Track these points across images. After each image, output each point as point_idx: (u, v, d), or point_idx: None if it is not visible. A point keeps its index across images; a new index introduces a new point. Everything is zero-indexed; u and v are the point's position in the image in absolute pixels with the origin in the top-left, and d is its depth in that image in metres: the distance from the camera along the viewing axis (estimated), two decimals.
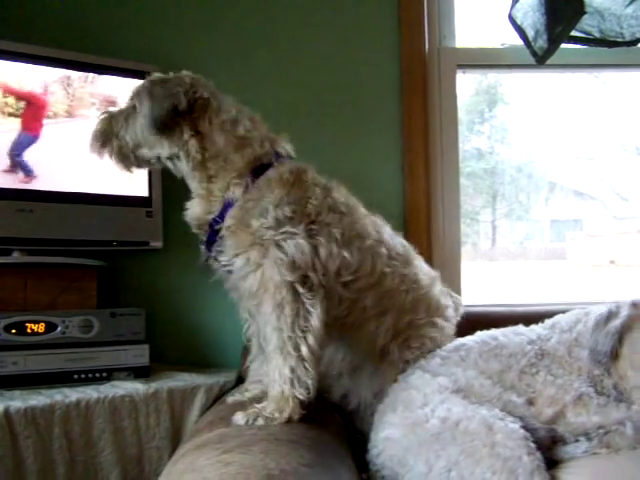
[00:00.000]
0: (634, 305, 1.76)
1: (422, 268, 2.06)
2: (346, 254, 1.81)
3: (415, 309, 1.97)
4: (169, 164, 1.92)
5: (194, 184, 1.89)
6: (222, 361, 2.51)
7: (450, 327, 2.05)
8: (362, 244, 1.87)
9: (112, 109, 1.99)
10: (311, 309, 1.71)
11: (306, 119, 2.66)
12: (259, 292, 1.75)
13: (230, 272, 1.83)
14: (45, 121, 2.30)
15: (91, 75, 2.36)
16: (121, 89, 2.35)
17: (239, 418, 1.67)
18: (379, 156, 2.71)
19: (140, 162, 1.95)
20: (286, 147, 1.92)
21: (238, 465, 1.31)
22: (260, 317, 1.79)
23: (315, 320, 1.71)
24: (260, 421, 1.65)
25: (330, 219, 1.83)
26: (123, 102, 1.98)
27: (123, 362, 2.13)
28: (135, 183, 2.31)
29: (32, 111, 2.28)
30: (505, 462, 1.44)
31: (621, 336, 1.72)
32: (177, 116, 1.82)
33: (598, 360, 1.72)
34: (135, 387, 2.01)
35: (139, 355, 2.16)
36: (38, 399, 1.86)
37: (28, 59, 2.26)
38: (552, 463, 1.62)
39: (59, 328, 2.08)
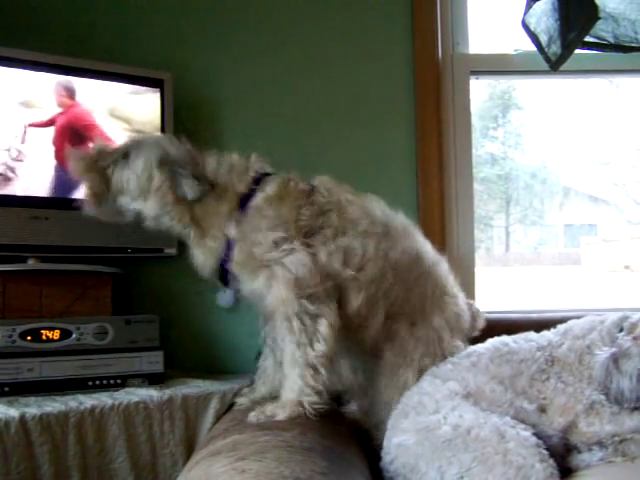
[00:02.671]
0: (635, 339, 1.70)
1: (426, 246, 2.07)
2: (344, 242, 1.86)
3: (423, 283, 1.99)
4: (150, 222, 1.93)
5: (189, 238, 1.92)
6: (236, 367, 2.52)
7: (457, 313, 2.04)
8: (356, 230, 1.90)
9: (105, 144, 2.01)
10: (320, 318, 1.78)
11: (319, 127, 2.67)
12: (273, 308, 1.82)
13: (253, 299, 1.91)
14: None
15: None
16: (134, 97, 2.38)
17: (251, 416, 1.76)
18: (393, 162, 2.71)
19: (118, 211, 1.93)
20: (259, 167, 1.95)
21: (253, 473, 1.30)
22: (276, 330, 1.86)
23: (323, 328, 1.77)
24: (263, 419, 1.75)
25: (320, 223, 1.87)
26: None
27: (137, 369, 2.14)
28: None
29: (65, 127, 2.31)
30: (518, 470, 1.44)
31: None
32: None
33: (629, 407, 1.66)
34: (149, 394, 2.02)
35: (153, 362, 2.16)
36: (53, 406, 1.86)
37: (38, 67, 2.27)
38: (566, 471, 1.62)
39: (74, 335, 2.09)
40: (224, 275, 1.91)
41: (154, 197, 1.87)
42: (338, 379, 2.07)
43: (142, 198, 1.89)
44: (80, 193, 2.25)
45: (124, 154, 1.91)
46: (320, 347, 1.77)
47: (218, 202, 1.88)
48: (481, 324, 2.16)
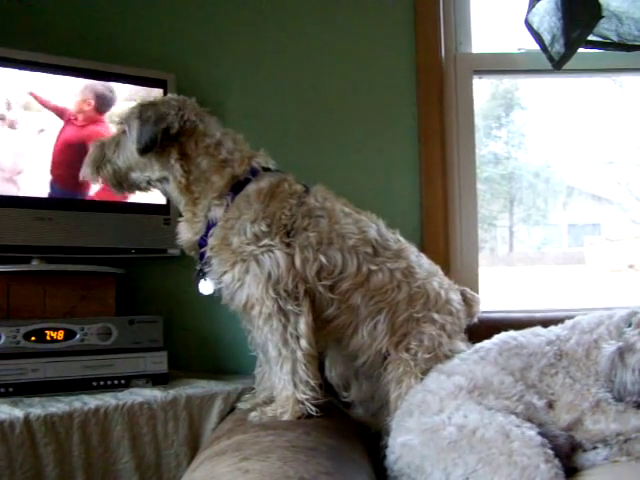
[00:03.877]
0: None
1: (419, 262, 2.05)
2: (322, 258, 1.86)
3: (411, 303, 1.96)
4: (160, 187, 1.99)
5: (181, 207, 1.96)
6: (240, 368, 2.51)
7: (452, 322, 2.03)
8: (344, 244, 1.90)
9: (103, 138, 2.05)
10: (298, 316, 1.81)
11: (322, 128, 2.67)
12: (247, 306, 1.84)
13: (221, 289, 1.91)
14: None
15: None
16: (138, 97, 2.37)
17: (252, 416, 1.81)
18: (396, 162, 2.71)
19: (133, 186, 2.01)
20: (263, 161, 1.97)
21: (257, 473, 1.31)
22: (254, 330, 1.88)
23: (303, 325, 1.81)
24: (266, 419, 1.79)
25: (305, 225, 1.88)
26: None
27: (141, 369, 2.14)
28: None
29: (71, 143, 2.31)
30: (523, 471, 1.44)
31: None
32: (167, 139, 1.88)
33: (632, 400, 1.67)
34: (153, 394, 2.02)
35: (157, 362, 2.16)
36: (57, 406, 1.87)
37: (44, 68, 2.27)
38: (572, 470, 1.62)
39: (78, 335, 2.09)
40: (201, 256, 1.93)
41: (156, 159, 1.91)
42: (343, 386, 2.08)
43: (149, 165, 1.93)
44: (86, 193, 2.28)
45: (122, 132, 1.95)
46: (304, 344, 1.80)
47: (215, 173, 1.90)
48: (478, 309, 2.15)
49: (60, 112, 2.29)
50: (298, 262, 1.83)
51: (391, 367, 1.93)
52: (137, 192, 2.09)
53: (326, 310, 1.89)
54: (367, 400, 2.08)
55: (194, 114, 1.93)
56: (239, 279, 1.83)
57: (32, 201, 2.22)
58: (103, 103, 2.34)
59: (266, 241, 1.82)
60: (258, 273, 1.80)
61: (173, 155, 1.89)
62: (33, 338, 2.03)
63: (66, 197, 2.29)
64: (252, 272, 1.81)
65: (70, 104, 2.30)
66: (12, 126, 2.21)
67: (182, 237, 1.96)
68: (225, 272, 1.86)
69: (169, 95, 2.05)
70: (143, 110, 1.90)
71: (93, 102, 2.32)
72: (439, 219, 2.69)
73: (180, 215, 2.01)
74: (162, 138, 1.86)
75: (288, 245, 1.84)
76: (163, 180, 1.94)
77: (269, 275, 1.80)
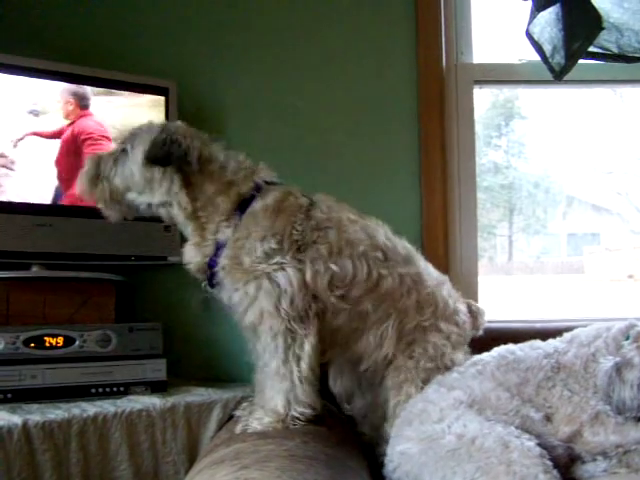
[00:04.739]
0: None
1: (428, 270, 2.05)
2: (333, 267, 1.85)
3: (420, 310, 1.96)
4: (161, 211, 1.94)
5: (188, 232, 1.93)
6: (239, 376, 2.51)
7: (458, 333, 2.02)
8: (353, 251, 1.89)
9: (100, 152, 2.02)
10: (304, 337, 1.79)
11: (323, 137, 2.67)
12: (256, 322, 1.81)
13: (231, 307, 1.90)
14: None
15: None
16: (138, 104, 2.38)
17: (238, 428, 1.79)
18: (397, 171, 2.72)
19: (131, 209, 1.95)
20: (265, 175, 1.95)
21: None
22: (259, 344, 1.85)
23: (308, 346, 1.79)
24: (250, 429, 1.76)
25: (315, 238, 1.86)
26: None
27: (140, 376, 2.14)
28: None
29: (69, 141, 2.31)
30: None
31: None
32: (172, 165, 1.85)
33: (632, 416, 1.66)
34: (152, 402, 2.01)
35: (156, 370, 2.16)
36: (56, 413, 1.86)
37: (44, 75, 2.27)
38: None
39: (77, 342, 2.09)
40: (211, 277, 1.91)
41: (159, 184, 1.87)
42: (345, 397, 2.08)
43: (148, 188, 1.88)
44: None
45: (122, 150, 1.91)
46: (304, 365, 1.78)
47: (220, 196, 1.87)
48: (483, 322, 2.14)
49: (58, 134, 2.30)
50: (309, 276, 1.81)
51: (392, 374, 1.93)
52: (135, 214, 2.01)
53: (337, 320, 1.88)
54: (370, 411, 2.07)
55: (199, 141, 1.91)
56: (251, 297, 1.81)
57: (32, 207, 2.22)
58: (80, 98, 2.34)
59: (278, 259, 1.80)
60: (270, 290, 1.78)
61: (177, 182, 1.86)
62: (32, 344, 2.03)
63: (66, 203, 2.29)
64: (264, 289, 1.79)
65: (59, 110, 2.31)
66: None
67: (190, 259, 1.92)
68: (237, 290, 1.84)
69: (177, 122, 2.01)
70: (153, 127, 1.89)
71: (72, 100, 2.32)
72: (439, 228, 2.69)
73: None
74: (172, 161, 1.84)
75: (300, 261, 1.82)
76: (166, 205, 1.91)
77: (281, 292, 1.78)
